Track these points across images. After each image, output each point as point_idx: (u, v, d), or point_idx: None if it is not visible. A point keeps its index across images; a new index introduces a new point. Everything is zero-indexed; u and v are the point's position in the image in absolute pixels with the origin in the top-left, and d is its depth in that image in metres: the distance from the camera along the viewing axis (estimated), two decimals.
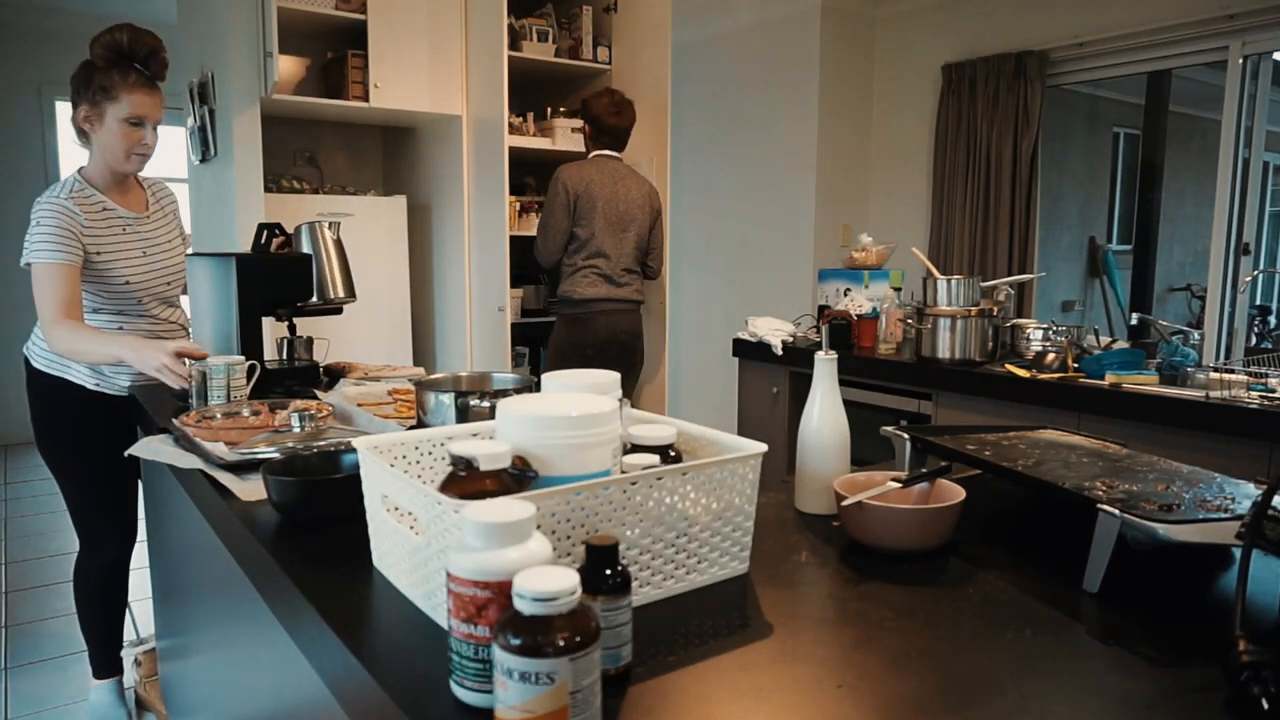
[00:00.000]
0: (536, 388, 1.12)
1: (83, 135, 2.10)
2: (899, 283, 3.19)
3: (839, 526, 1.10)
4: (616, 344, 3.23)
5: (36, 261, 1.98)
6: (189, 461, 1.39)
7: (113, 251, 2.10)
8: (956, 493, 1.05)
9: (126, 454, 1.54)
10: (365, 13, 3.36)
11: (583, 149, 3.34)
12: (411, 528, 0.89)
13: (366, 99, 3.43)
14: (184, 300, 2.33)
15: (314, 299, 2.18)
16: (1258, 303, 5.97)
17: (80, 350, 1.97)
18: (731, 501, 0.93)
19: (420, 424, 1.35)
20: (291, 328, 2.18)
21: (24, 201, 5.46)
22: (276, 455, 1.30)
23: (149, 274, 2.18)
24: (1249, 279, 3.52)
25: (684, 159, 5.05)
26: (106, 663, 2.38)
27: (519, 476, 0.83)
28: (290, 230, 2.21)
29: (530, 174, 4.14)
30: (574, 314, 3.20)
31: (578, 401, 0.89)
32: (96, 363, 2.09)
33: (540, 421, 0.85)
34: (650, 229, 3.30)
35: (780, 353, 3.16)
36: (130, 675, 2.51)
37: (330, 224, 2.19)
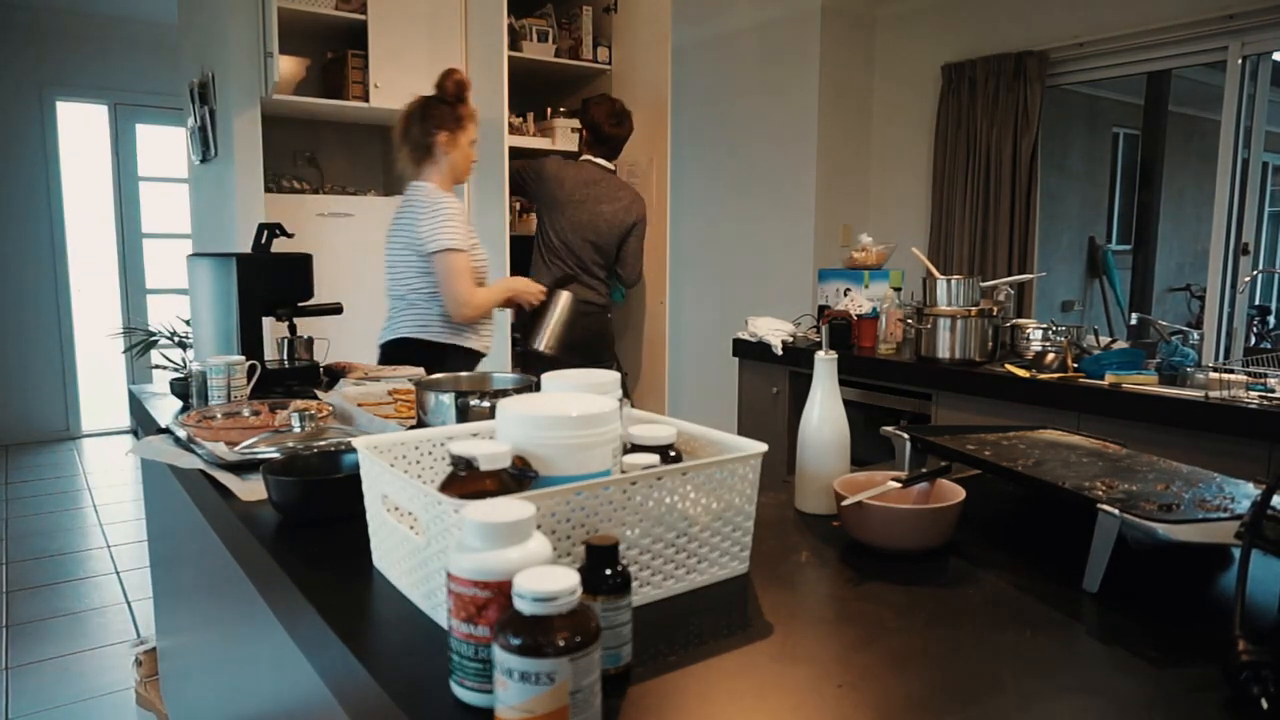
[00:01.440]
0: (536, 388, 1.12)
1: (428, 154, 2.52)
2: (899, 283, 3.19)
3: (839, 526, 1.10)
4: (581, 346, 3.25)
5: (453, 247, 2.40)
6: (189, 461, 1.39)
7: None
8: (956, 493, 1.05)
9: (126, 453, 1.55)
10: (365, 13, 3.36)
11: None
12: (411, 528, 0.89)
13: (366, 99, 3.42)
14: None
15: (534, 346, 2.59)
16: (1257, 303, 5.97)
17: (488, 304, 2.50)
18: (731, 501, 0.93)
19: (420, 424, 1.35)
20: (292, 328, 2.18)
21: (24, 201, 5.49)
22: (276, 455, 1.30)
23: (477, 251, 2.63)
24: (1248, 279, 3.52)
25: (684, 159, 5.05)
26: None
27: (519, 476, 0.84)
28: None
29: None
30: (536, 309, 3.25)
31: (578, 401, 0.89)
32: (490, 311, 2.57)
33: (540, 421, 0.85)
34: (622, 240, 3.29)
35: (780, 353, 3.16)
36: (130, 675, 2.51)
37: (574, 300, 2.63)
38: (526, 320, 2.62)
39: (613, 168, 3.28)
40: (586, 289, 3.25)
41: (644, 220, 3.32)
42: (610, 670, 0.70)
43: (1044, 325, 2.72)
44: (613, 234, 3.24)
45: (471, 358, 2.57)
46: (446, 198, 2.45)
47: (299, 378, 2.12)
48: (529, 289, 2.61)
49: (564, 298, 2.60)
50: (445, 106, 2.52)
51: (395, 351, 2.53)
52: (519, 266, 3.64)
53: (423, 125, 2.51)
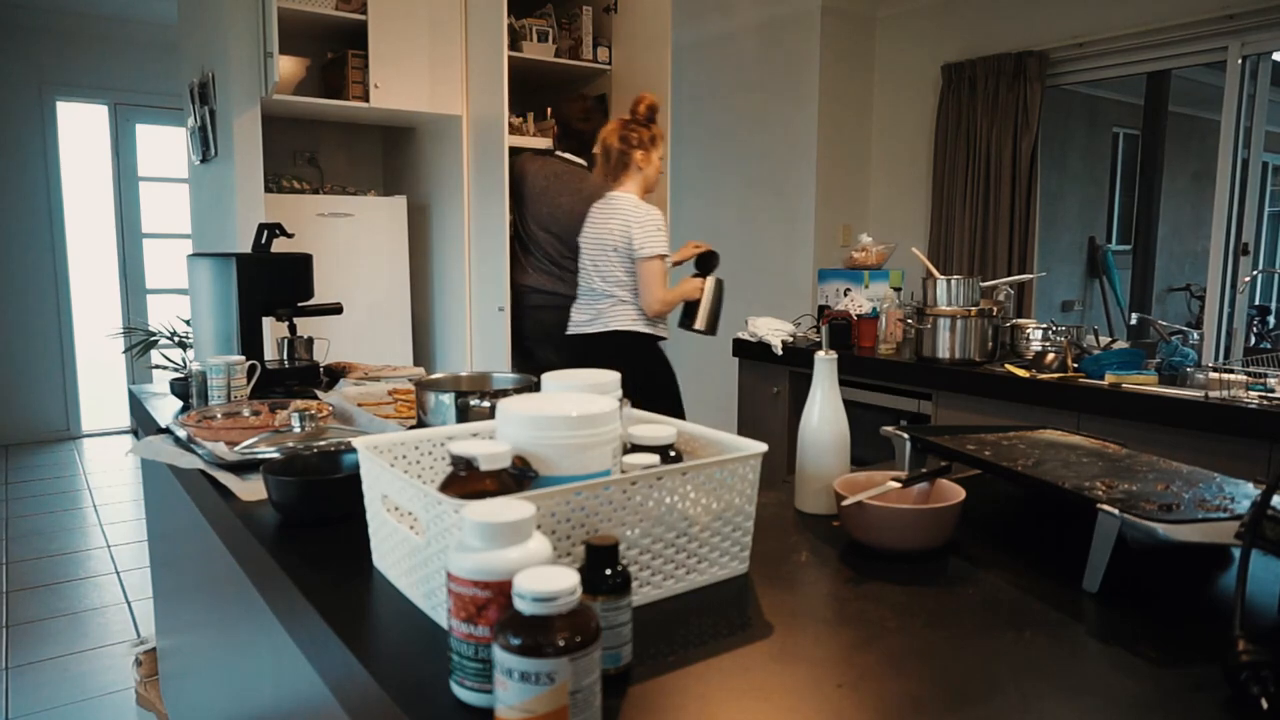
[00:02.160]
0: (536, 388, 1.12)
1: (625, 169, 2.86)
2: (899, 283, 3.19)
3: (839, 526, 1.10)
4: (552, 339, 3.32)
5: (660, 254, 2.78)
6: (189, 461, 1.39)
7: None
8: (956, 493, 1.05)
9: (126, 453, 1.56)
10: (365, 13, 3.36)
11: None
12: (411, 528, 0.89)
13: (366, 99, 3.42)
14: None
15: (694, 326, 2.90)
16: (1257, 303, 5.98)
17: (673, 302, 2.85)
18: (731, 501, 0.93)
19: (420, 424, 1.35)
20: (292, 328, 2.18)
21: (24, 201, 5.49)
22: (276, 455, 1.30)
23: None
24: (1248, 279, 3.52)
25: (684, 159, 5.05)
26: None
27: (519, 476, 0.84)
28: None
29: None
30: (519, 304, 3.37)
31: (578, 401, 0.89)
32: (673, 308, 2.92)
33: (540, 421, 0.85)
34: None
35: (780, 353, 3.16)
36: (130, 675, 2.51)
37: (718, 281, 2.94)
38: (689, 307, 3.05)
39: (582, 162, 3.34)
40: (557, 281, 3.31)
41: None
42: (610, 670, 0.70)
43: (1044, 325, 2.72)
44: (573, 226, 3.28)
45: (659, 344, 2.95)
46: (653, 209, 2.81)
47: (299, 378, 2.12)
48: (696, 287, 2.96)
49: (708, 284, 2.93)
50: (641, 128, 2.85)
51: (605, 341, 2.88)
52: (512, 266, 3.65)
53: (621, 144, 2.85)
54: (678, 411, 2.97)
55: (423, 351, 4.09)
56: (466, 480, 0.79)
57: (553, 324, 3.36)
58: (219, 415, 1.61)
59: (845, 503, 1.03)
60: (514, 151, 3.47)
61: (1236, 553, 1.00)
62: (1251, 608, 0.88)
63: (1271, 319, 6.50)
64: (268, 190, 3.47)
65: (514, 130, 3.60)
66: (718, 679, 0.72)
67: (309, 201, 3.61)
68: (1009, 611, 0.86)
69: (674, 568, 0.89)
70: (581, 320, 2.93)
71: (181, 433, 1.50)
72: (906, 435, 1.28)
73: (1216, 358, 3.60)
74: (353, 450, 1.21)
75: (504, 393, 1.33)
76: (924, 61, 4.37)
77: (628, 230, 2.78)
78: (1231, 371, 2.29)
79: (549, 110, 3.82)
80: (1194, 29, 3.50)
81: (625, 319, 2.85)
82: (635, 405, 3.28)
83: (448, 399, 1.30)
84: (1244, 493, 0.98)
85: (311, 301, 2.19)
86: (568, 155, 3.33)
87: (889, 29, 4.55)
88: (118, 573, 3.44)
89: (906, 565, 0.98)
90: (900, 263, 3.42)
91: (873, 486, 1.05)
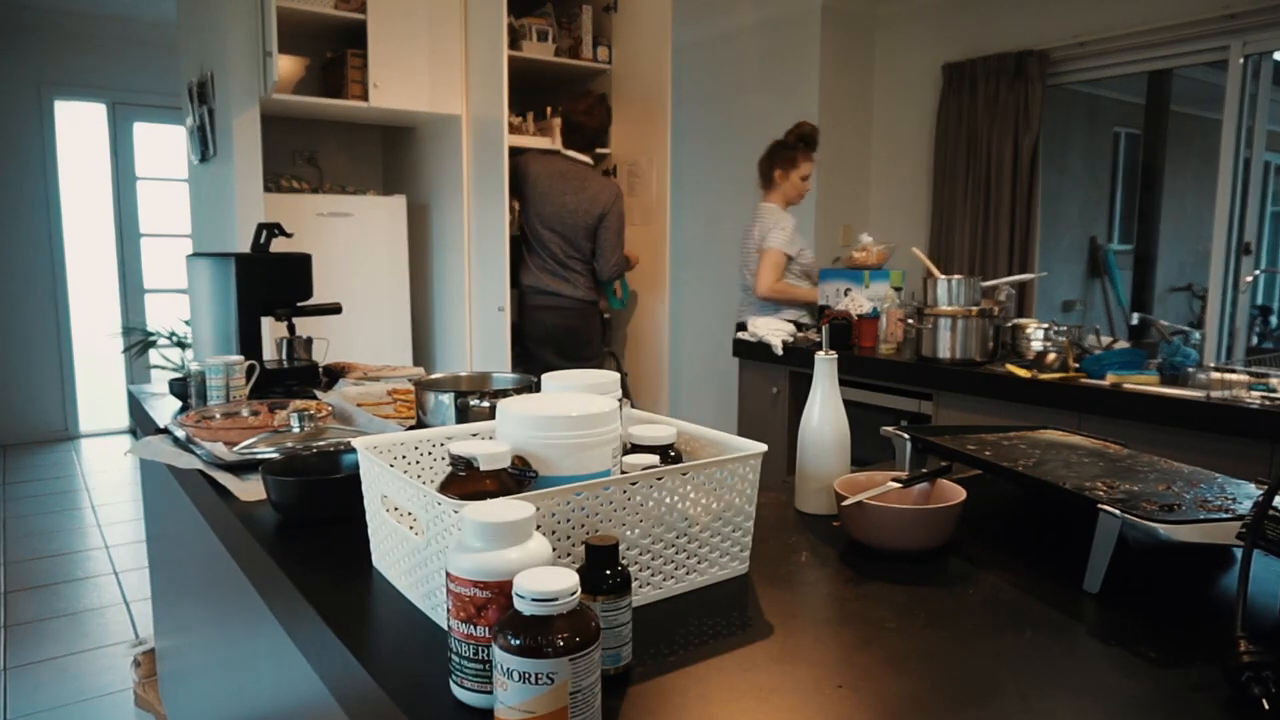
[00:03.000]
0: (536, 388, 1.11)
1: (770, 184, 3.43)
2: (899, 283, 3.18)
3: (839, 526, 1.10)
4: (553, 340, 3.38)
5: (774, 247, 3.29)
6: (188, 461, 1.39)
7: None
8: (956, 493, 1.05)
9: (125, 454, 1.56)
10: (365, 12, 3.36)
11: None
12: (411, 528, 0.89)
13: (366, 99, 3.42)
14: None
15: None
16: (1258, 303, 5.97)
17: (781, 294, 3.36)
18: (731, 501, 0.92)
19: (420, 424, 1.35)
20: (291, 328, 2.18)
21: (23, 201, 5.48)
22: (276, 455, 1.30)
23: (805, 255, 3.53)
24: (1250, 279, 3.52)
25: (684, 159, 5.05)
26: None
27: (519, 476, 0.83)
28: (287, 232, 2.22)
29: None
30: (522, 304, 3.42)
31: (577, 401, 0.89)
32: (798, 302, 3.42)
33: (540, 421, 0.85)
34: (593, 232, 3.32)
35: (780, 353, 3.16)
36: (129, 676, 2.51)
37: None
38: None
39: (587, 160, 3.35)
40: (561, 281, 3.31)
41: (614, 212, 3.32)
42: (610, 670, 0.70)
43: (1045, 325, 2.72)
44: (578, 226, 3.29)
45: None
46: (788, 215, 3.36)
47: (298, 378, 2.12)
48: (809, 293, 3.39)
49: None
50: (785, 150, 3.33)
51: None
52: (519, 266, 3.65)
53: (768, 163, 3.38)
54: None
55: (422, 351, 4.09)
56: (466, 480, 0.78)
57: (554, 324, 3.36)
58: (218, 415, 1.61)
59: (845, 503, 1.02)
60: (515, 151, 3.47)
61: (1238, 553, 1.00)
62: (1253, 608, 0.88)
63: (1274, 319, 6.49)
64: (267, 190, 3.47)
65: (514, 130, 3.60)
66: (718, 679, 0.72)
67: (308, 201, 3.61)
68: (1009, 611, 0.86)
69: (674, 568, 0.89)
70: (742, 311, 3.55)
71: (180, 433, 1.50)
72: (907, 435, 1.27)
73: (1218, 358, 3.60)
74: (352, 450, 1.20)
75: (504, 393, 1.33)
76: (924, 61, 4.36)
77: (763, 231, 3.31)
78: (1233, 372, 2.28)
79: (549, 109, 3.82)
80: (1195, 28, 3.50)
81: (768, 306, 3.43)
82: None
83: (447, 399, 1.30)
84: (1245, 493, 0.98)
85: (311, 301, 2.19)
86: (572, 153, 3.33)
87: (889, 29, 4.55)
88: (116, 573, 3.44)
89: (906, 565, 0.98)
90: (901, 263, 3.41)
91: (873, 486, 1.05)
